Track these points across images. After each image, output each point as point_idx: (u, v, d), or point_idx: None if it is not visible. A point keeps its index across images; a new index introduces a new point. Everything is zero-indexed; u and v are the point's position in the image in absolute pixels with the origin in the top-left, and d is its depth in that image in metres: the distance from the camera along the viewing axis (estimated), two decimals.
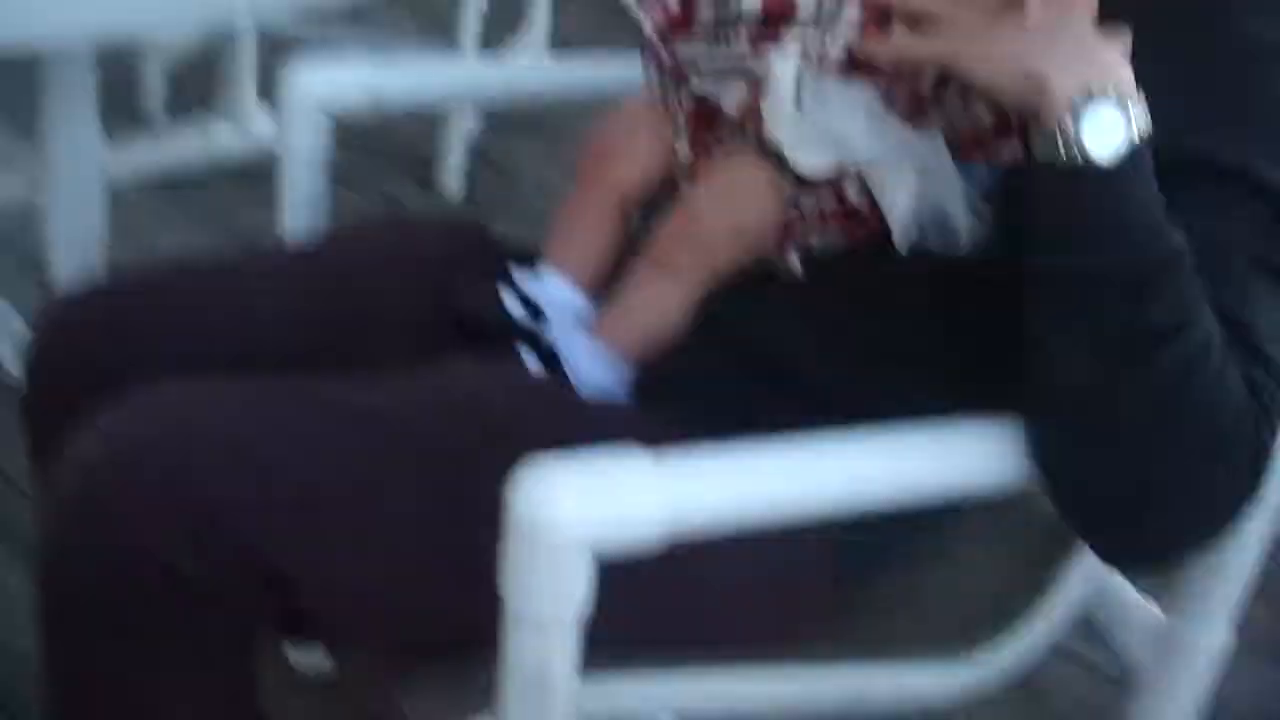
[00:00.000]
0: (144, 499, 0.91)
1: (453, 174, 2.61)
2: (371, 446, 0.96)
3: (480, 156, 2.65)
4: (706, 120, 1.10)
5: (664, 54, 1.10)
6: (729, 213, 1.08)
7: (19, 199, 1.69)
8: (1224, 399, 0.87)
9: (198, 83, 2.61)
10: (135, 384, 0.96)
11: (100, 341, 1.09)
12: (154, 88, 2.62)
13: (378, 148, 2.49)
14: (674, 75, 1.10)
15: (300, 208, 1.30)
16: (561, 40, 2.65)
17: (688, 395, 1.05)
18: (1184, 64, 0.93)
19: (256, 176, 2.38)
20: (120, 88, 2.48)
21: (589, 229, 1.16)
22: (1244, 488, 0.90)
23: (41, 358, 1.13)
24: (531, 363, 1.09)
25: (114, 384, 0.98)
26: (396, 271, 1.19)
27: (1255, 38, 0.94)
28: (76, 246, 1.49)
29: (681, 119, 1.11)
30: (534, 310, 1.12)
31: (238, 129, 2.11)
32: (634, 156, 1.15)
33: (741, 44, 1.05)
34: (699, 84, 1.09)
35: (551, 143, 2.67)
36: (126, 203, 1.85)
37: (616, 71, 1.34)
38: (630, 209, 1.17)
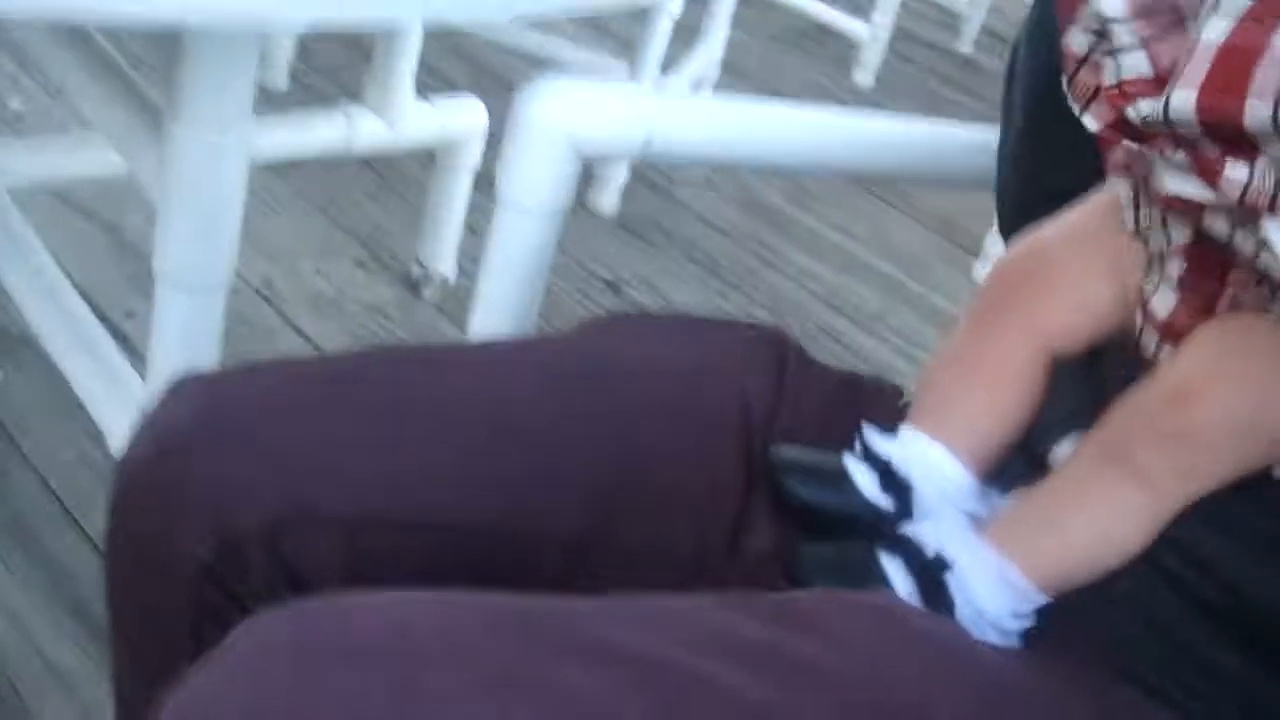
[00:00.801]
0: None
1: (609, 194, 2.24)
2: None
3: (639, 176, 2.29)
4: (1208, 263, 0.71)
5: (1136, 163, 0.72)
6: (1243, 398, 0.69)
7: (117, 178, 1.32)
8: None
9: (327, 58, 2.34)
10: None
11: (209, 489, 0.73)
12: (280, 63, 2.33)
13: None
14: (1164, 201, 0.71)
15: (515, 287, 0.92)
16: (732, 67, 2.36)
17: (1133, 660, 0.70)
18: None
19: (379, 169, 2.10)
20: None
21: (992, 386, 0.77)
22: None
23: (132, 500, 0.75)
24: (900, 581, 0.71)
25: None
26: (683, 399, 0.80)
27: None
28: (189, 249, 1.11)
29: (1164, 253, 0.72)
30: (899, 495, 0.74)
31: (389, 125, 1.72)
32: (1076, 293, 0.76)
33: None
34: (1211, 220, 0.69)
35: (718, 170, 2.36)
36: None
37: (973, 139, 0.97)
38: (1051, 367, 0.77)
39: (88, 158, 1.58)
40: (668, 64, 2.22)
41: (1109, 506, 0.71)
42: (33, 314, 1.45)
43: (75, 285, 1.48)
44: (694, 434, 0.80)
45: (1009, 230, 0.90)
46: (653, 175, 2.39)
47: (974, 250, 2.34)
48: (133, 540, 0.74)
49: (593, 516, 0.76)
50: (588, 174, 2.26)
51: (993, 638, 0.71)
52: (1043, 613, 0.72)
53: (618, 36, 2.62)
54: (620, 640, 0.61)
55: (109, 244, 1.90)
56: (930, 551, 0.72)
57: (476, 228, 1.90)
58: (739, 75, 2.71)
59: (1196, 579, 0.70)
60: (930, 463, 0.75)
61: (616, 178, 2.25)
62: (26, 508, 1.47)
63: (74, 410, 1.41)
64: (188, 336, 1.12)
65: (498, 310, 0.93)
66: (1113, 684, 0.69)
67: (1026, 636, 0.72)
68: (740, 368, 0.83)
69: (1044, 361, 0.77)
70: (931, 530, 0.73)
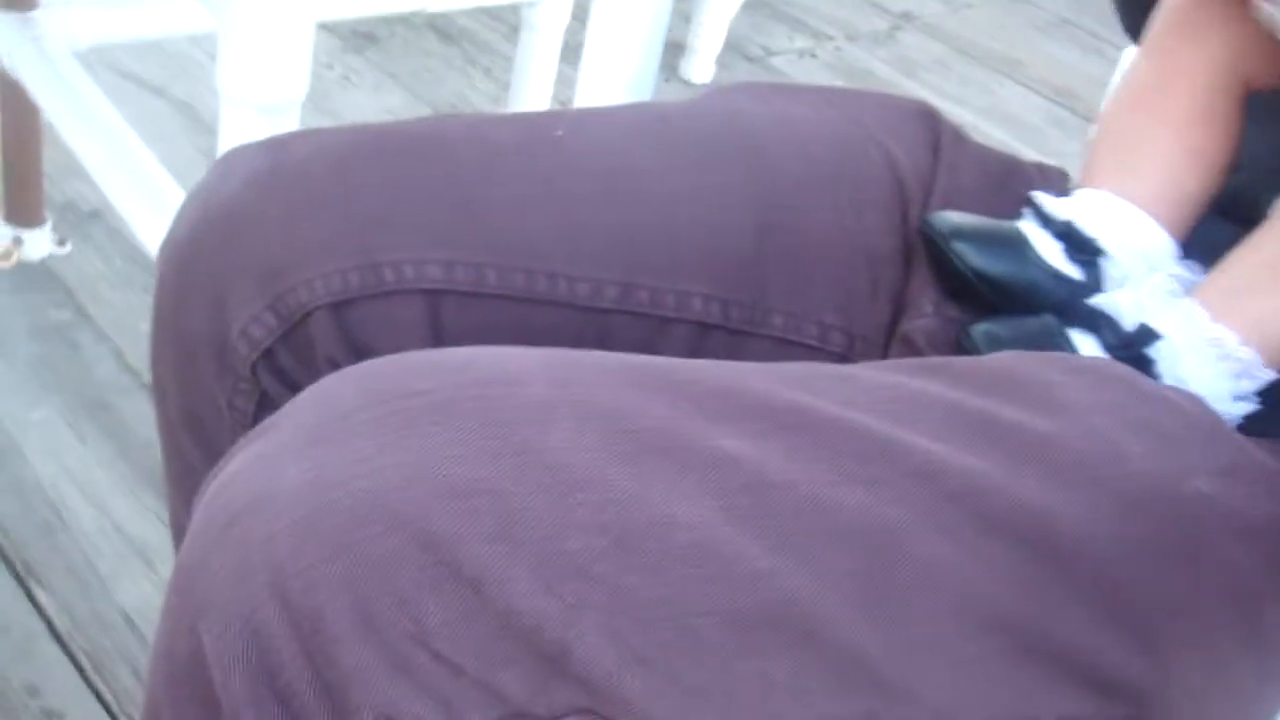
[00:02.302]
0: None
1: (703, 63, 2.11)
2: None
3: (735, 47, 2.16)
4: None
5: None
6: None
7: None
8: None
9: None
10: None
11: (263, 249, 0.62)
12: None
13: None
14: None
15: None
16: None
17: None
18: None
19: (462, 42, 2.00)
20: None
21: (1181, 125, 0.64)
22: None
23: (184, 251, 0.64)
24: (1086, 346, 0.59)
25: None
26: (825, 168, 0.68)
27: None
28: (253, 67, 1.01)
29: None
30: (1086, 263, 0.62)
31: None
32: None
33: None
34: None
35: (817, 37, 2.20)
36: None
37: None
38: (1245, 100, 0.65)
39: (155, 17, 1.49)
40: None
41: None
42: (109, 185, 1.37)
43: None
44: (841, 205, 0.68)
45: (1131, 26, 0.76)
46: (748, 46, 2.26)
47: (1090, 116, 2.18)
48: (179, 332, 0.64)
49: (726, 295, 0.65)
50: (678, 47, 2.14)
51: None
52: (1267, 396, 0.60)
53: None
54: (787, 401, 0.50)
55: (181, 121, 1.81)
56: (1131, 323, 0.60)
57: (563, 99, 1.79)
58: None
59: None
60: (1121, 222, 0.63)
61: (708, 47, 2.12)
62: (100, 381, 1.39)
63: (147, 282, 1.33)
64: None
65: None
66: None
67: (1248, 424, 0.60)
68: (890, 137, 0.71)
69: (1238, 93, 0.64)
70: (1130, 299, 0.60)
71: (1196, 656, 0.53)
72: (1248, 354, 0.58)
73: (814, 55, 2.29)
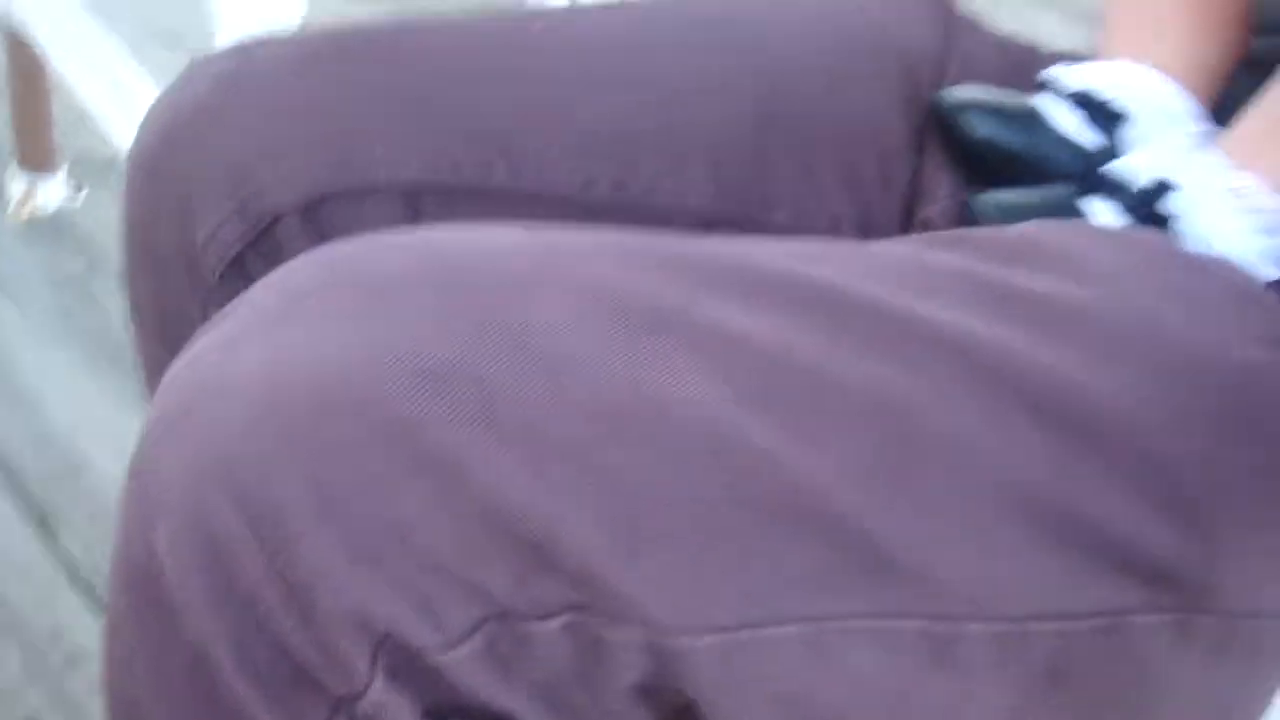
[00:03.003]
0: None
1: None
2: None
3: None
4: None
5: None
6: None
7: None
8: None
9: None
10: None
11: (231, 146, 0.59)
12: None
13: None
14: None
15: None
16: None
17: None
18: None
19: None
20: None
21: None
22: None
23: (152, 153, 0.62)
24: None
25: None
26: (829, 57, 0.64)
27: None
28: None
29: None
30: (1106, 130, 0.58)
31: None
32: None
33: None
34: None
35: None
36: None
37: None
38: None
39: None
40: None
41: None
42: (119, 134, 1.36)
43: None
44: (847, 92, 0.64)
45: None
46: None
47: None
48: (150, 243, 0.61)
49: (730, 189, 0.62)
50: None
51: None
52: None
53: None
54: (798, 276, 0.46)
55: None
56: (1147, 180, 0.56)
57: None
58: None
59: None
60: (1140, 84, 0.59)
61: None
62: (118, 329, 1.38)
63: None
64: None
65: None
66: None
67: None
68: (897, 23, 0.67)
69: None
70: (1147, 158, 0.57)
71: (1254, 543, 0.49)
72: (1275, 202, 0.54)
73: None
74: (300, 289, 0.44)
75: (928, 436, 0.45)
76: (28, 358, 1.33)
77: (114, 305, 1.40)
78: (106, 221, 1.50)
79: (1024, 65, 0.69)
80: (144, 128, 0.61)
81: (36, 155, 1.47)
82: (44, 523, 1.18)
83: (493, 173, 0.58)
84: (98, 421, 1.28)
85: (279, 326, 0.43)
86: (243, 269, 0.57)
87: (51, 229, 1.48)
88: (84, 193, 1.51)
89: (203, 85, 0.60)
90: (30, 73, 1.43)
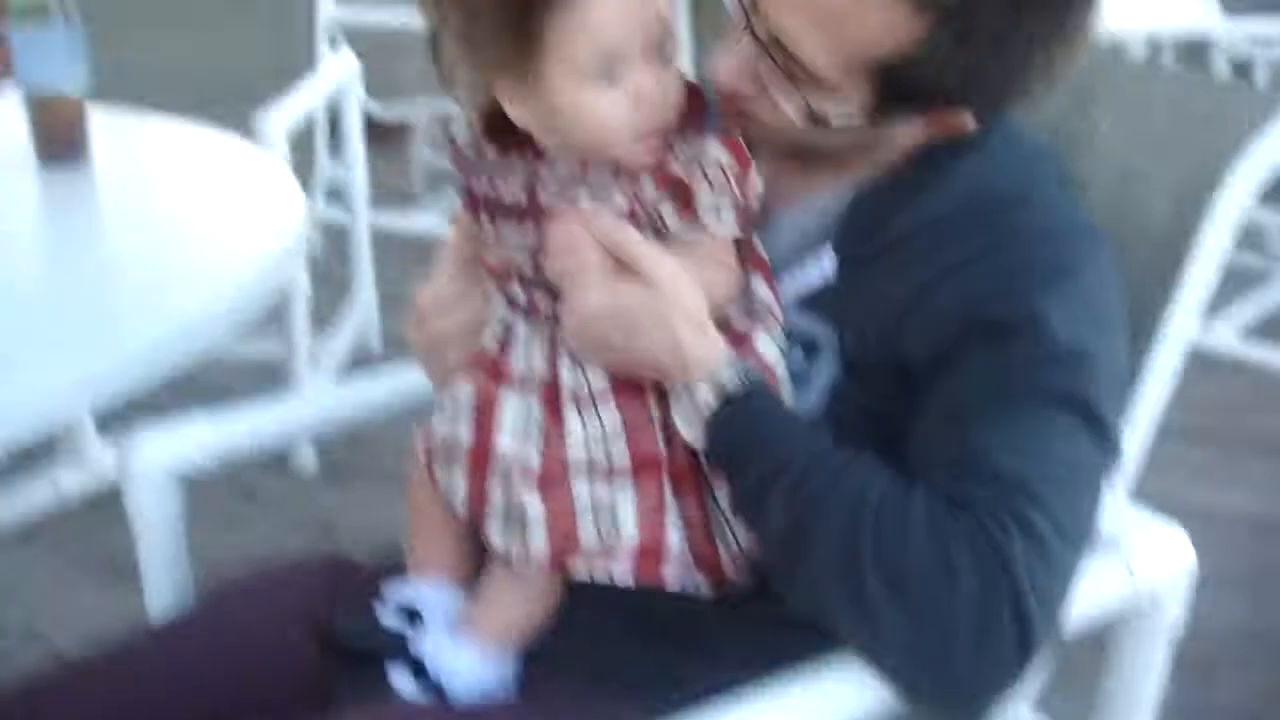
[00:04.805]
0: None
1: (308, 453, 2.49)
2: None
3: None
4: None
5: None
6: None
7: None
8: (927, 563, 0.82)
9: None
10: None
11: None
12: None
13: None
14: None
15: (162, 571, 1.18)
16: None
17: (589, 673, 0.97)
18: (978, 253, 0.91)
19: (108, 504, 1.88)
20: None
21: (440, 519, 1.02)
22: (1008, 632, 0.82)
23: None
24: (404, 683, 0.98)
25: None
26: (273, 625, 1.07)
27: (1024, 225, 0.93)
28: None
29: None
30: (415, 616, 1.01)
31: (83, 470, 2.18)
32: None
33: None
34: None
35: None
36: None
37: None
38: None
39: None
40: None
41: (518, 575, 0.94)
42: None
43: None
44: (276, 633, 1.03)
45: None
46: None
47: None
48: None
49: None
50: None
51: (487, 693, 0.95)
52: (530, 668, 0.96)
53: None
54: None
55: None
56: (415, 654, 0.95)
57: None
58: None
59: (629, 610, 0.94)
60: (420, 589, 1.00)
61: None
62: None
63: None
64: None
65: None
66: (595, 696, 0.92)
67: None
68: (312, 581, 1.07)
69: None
70: (423, 635, 0.97)
71: None
72: (492, 652, 0.96)
73: None
74: None
75: None
76: None
77: None
78: None
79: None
80: None
81: None
82: None
83: None
84: None
85: None
86: None
87: None
88: None
89: None
90: None
